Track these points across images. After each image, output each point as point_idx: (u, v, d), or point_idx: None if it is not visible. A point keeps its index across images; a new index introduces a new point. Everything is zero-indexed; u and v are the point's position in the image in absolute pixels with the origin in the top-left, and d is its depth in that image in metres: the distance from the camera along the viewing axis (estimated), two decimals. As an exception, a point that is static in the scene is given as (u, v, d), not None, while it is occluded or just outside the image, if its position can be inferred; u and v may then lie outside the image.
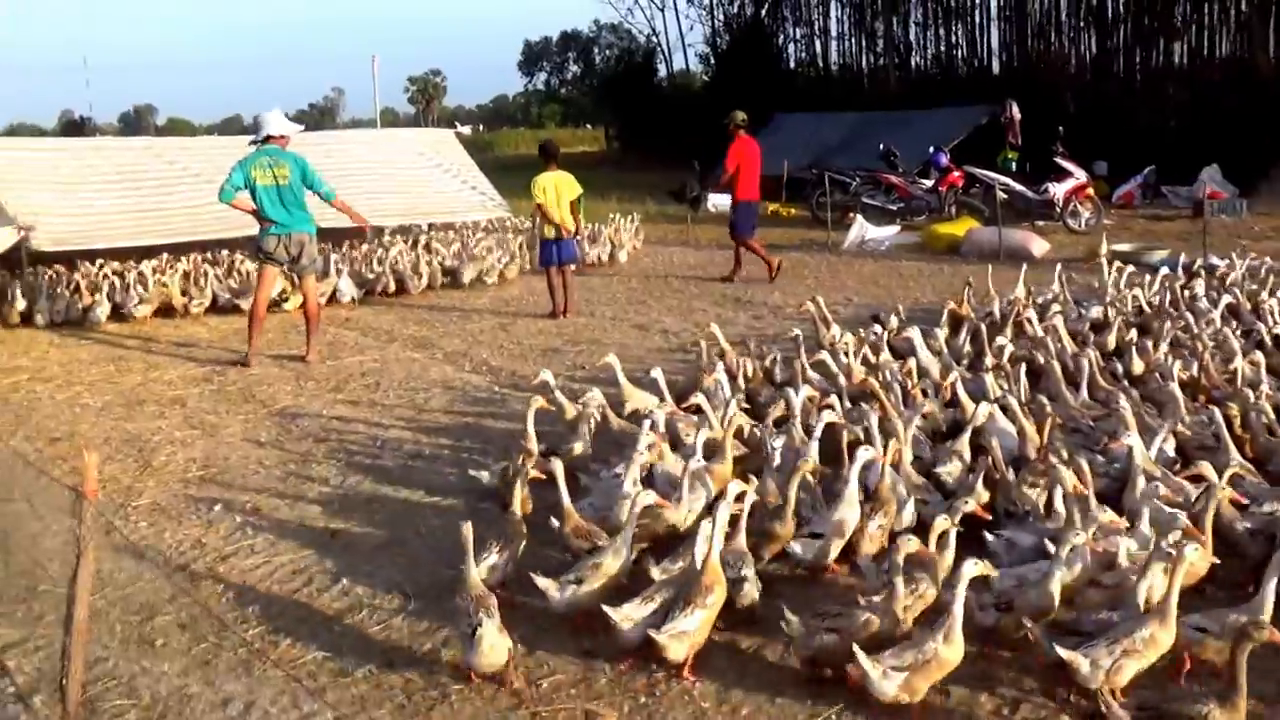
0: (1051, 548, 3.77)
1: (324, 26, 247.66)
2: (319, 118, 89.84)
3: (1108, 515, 4.15)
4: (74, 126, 56.83)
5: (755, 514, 4.18)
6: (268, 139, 8.47)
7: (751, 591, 3.90)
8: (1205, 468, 4.20)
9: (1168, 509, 4.16)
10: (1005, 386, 5.80)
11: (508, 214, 15.11)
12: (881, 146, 18.34)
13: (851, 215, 16.22)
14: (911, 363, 6.18)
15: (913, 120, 22.28)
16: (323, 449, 6.38)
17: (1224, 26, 24.63)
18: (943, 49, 30.30)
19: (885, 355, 6.71)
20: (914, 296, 10.95)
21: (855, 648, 3.26)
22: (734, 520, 4.00)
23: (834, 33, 33.00)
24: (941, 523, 3.82)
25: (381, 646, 3.93)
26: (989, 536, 4.20)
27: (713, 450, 4.94)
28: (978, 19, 29.36)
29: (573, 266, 10.68)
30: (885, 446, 4.65)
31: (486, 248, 13.26)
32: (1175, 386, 5.41)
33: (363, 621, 4.14)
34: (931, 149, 18.20)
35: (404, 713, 3.50)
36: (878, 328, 7.51)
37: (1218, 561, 3.81)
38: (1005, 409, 5.21)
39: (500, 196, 14.86)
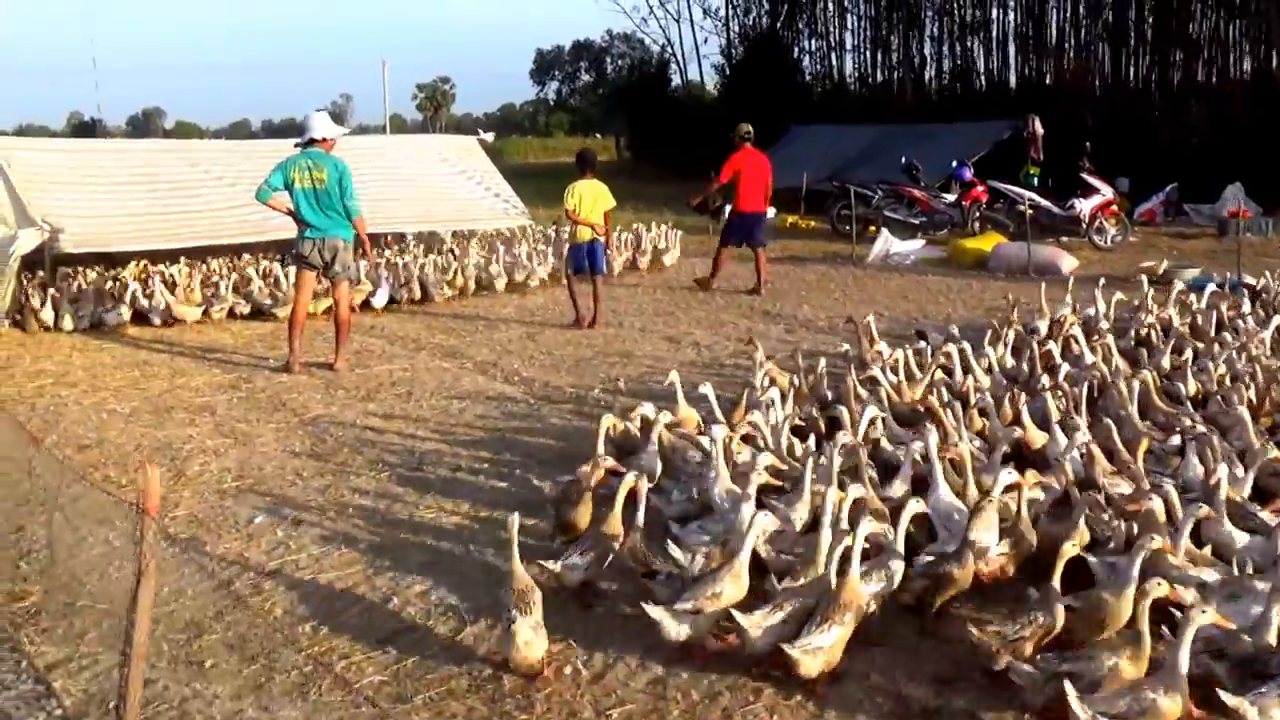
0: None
1: (333, 32, 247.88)
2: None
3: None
4: (84, 129, 56.68)
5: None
6: (311, 142, 8.35)
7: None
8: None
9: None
10: (1063, 408, 5.66)
11: (529, 221, 14.99)
12: (904, 160, 18.11)
13: (874, 229, 16.07)
14: (969, 381, 6.02)
15: (934, 134, 22.05)
16: (360, 460, 6.23)
17: (1245, 42, 24.53)
18: (959, 64, 30.22)
19: (941, 373, 6.55)
20: (945, 312, 10.81)
21: (1067, 685, 2.96)
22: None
23: (849, 45, 32.99)
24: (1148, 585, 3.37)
25: (441, 674, 3.76)
26: (1090, 559, 3.99)
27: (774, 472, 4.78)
28: (994, 34, 29.33)
29: (602, 276, 10.52)
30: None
31: (517, 255, 13.08)
32: (1244, 410, 5.25)
33: (419, 644, 3.98)
34: (954, 163, 17.99)
35: (471, 744, 3.36)
36: (923, 343, 7.35)
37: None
38: (1072, 431, 5.05)
39: (522, 204, 14.74)
